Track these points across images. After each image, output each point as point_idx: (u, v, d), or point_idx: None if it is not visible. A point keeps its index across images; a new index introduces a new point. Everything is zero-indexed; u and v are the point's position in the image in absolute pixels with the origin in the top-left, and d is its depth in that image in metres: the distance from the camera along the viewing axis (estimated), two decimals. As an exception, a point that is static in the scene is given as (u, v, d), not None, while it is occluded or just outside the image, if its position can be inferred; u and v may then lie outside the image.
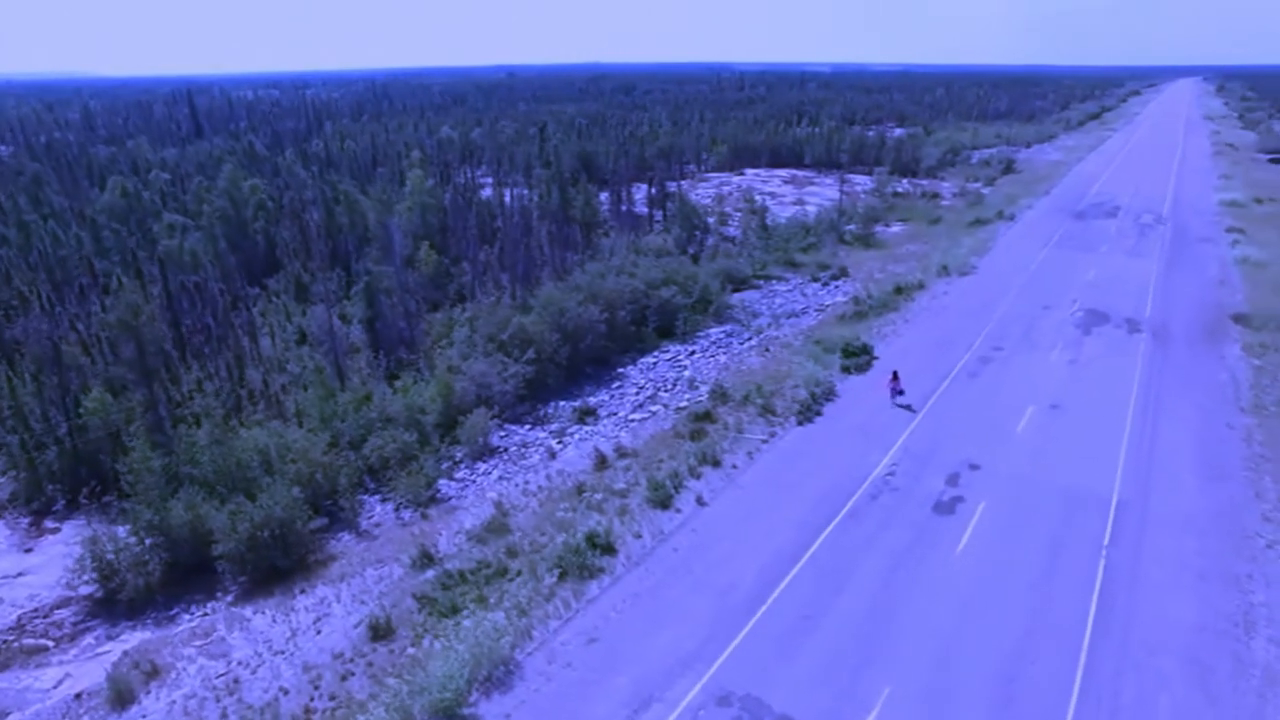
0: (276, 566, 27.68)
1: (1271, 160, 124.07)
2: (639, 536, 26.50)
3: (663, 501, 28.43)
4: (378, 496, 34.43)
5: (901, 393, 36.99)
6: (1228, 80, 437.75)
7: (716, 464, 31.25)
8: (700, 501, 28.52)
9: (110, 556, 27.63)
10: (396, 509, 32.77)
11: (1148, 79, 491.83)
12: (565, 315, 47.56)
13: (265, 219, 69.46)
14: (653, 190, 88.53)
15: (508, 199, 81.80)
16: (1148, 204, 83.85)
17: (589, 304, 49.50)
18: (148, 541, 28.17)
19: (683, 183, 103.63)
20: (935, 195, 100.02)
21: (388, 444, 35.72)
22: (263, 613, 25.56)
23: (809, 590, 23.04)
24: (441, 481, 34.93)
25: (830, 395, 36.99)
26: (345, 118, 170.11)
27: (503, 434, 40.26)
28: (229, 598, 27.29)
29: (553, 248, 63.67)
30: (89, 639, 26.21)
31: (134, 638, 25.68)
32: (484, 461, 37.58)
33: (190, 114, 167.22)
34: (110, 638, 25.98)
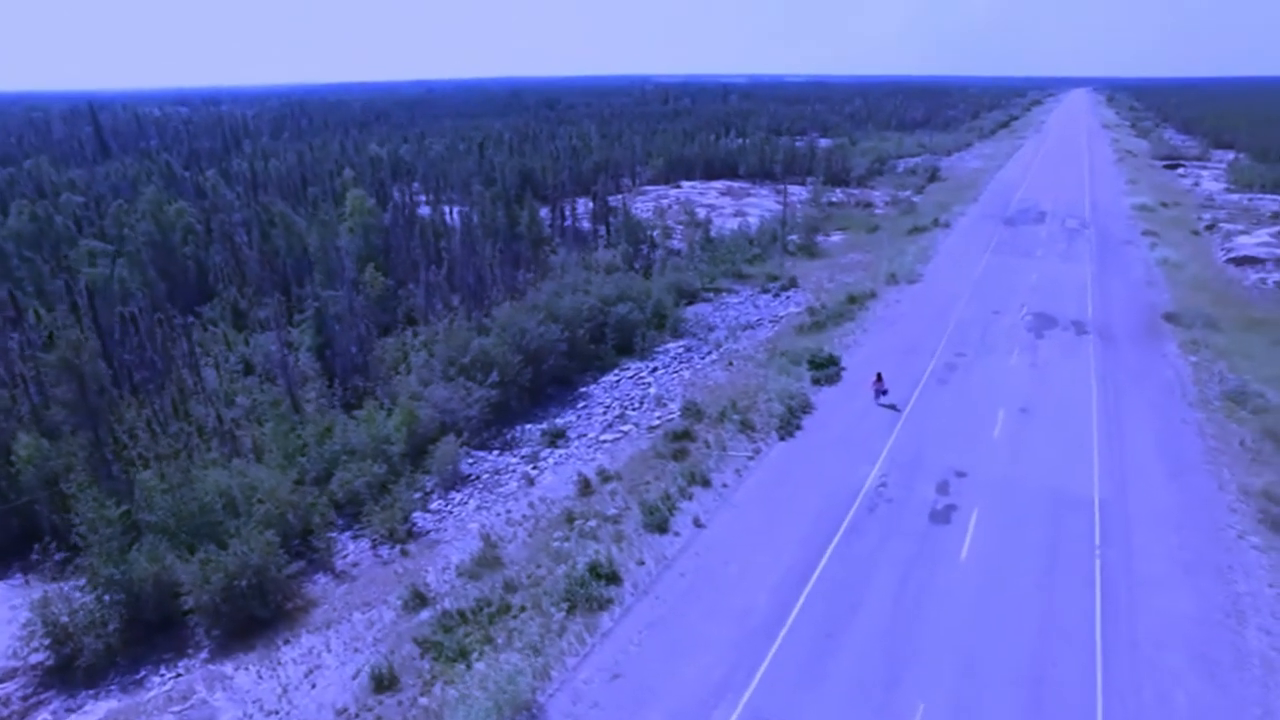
0: (254, 616, 25.90)
1: (1167, 166, 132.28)
2: (641, 563, 25.85)
3: (659, 525, 27.86)
4: (349, 533, 32.79)
5: (885, 393, 37.86)
6: (1115, 91, 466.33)
7: (706, 483, 30.86)
8: (698, 523, 28.06)
9: (65, 619, 25.34)
10: (373, 545, 31.21)
11: (1045, 89, 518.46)
12: (526, 336, 46.60)
13: (195, 244, 65.99)
14: (594, 205, 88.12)
15: (451, 217, 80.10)
16: (1070, 209, 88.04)
17: (549, 323, 48.68)
18: (106, 599, 25.98)
19: (621, 196, 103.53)
20: (868, 204, 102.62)
21: (356, 477, 34.08)
22: (245, 668, 23.83)
23: (825, 608, 22.85)
24: (416, 514, 33.54)
25: (806, 408, 37.13)
26: (265, 136, 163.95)
27: (471, 461, 39.02)
28: (203, 654, 25.35)
29: (502, 267, 62.42)
30: (44, 715, 23.88)
31: (98, 708, 23.55)
32: (457, 491, 36.27)
33: (95, 132, 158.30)
34: (71, 710, 23.72)
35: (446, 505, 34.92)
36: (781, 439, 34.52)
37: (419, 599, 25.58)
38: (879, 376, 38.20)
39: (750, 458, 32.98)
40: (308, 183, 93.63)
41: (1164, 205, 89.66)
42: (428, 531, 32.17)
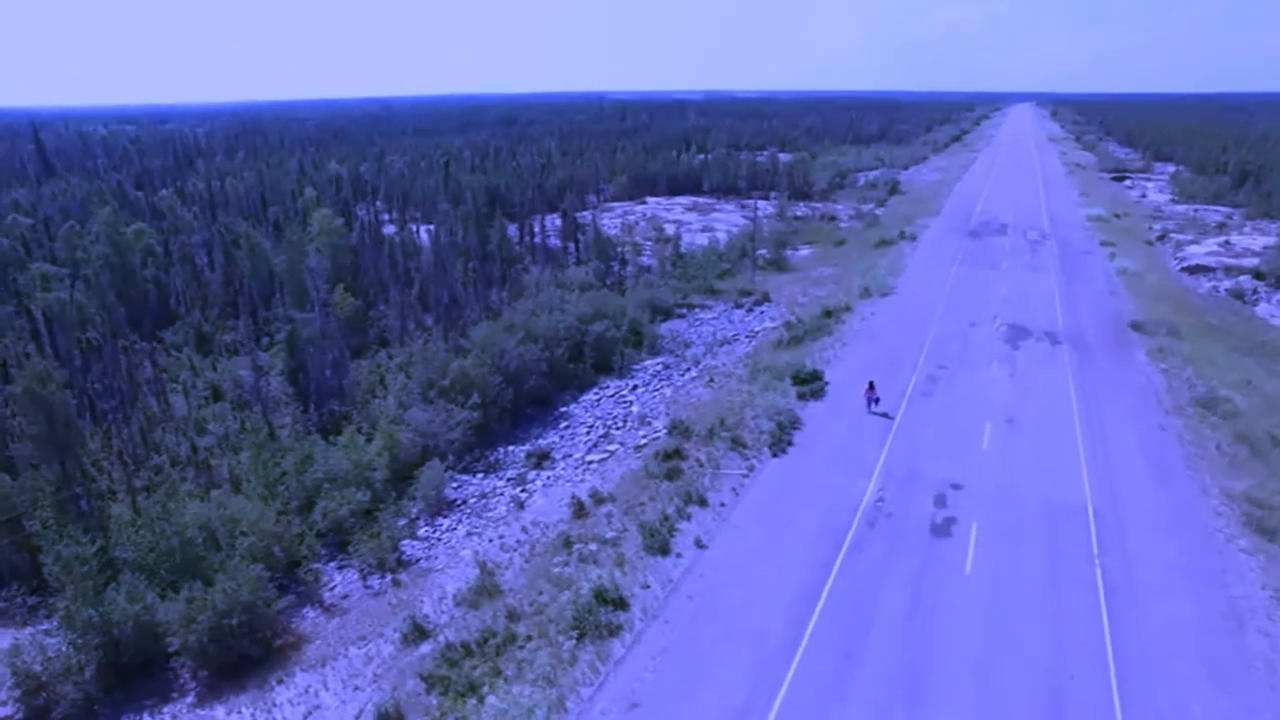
0: (244, 656, 24.81)
1: (1114, 178, 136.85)
2: (647, 587, 25.41)
3: (661, 547, 27.45)
4: (334, 564, 31.80)
5: (877, 400, 38.45)
6: (1058, 105, 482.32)
7: (704, 503, 30.56)
8: (700, 544, 27.72)
9: (37, 668, 23.93)
10: (362, 576, 30.27)
11: (992, 104, 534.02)
12: (506, 356, 46.01)
13: (155, 266, 63.96)
14: (561, 222, 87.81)
15: (420, 236, 79.04)
16: (1029, 221, 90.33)
17: (528, 343, 48.16)
18: (82, 642, 24.64)
19: (587, 213, 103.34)
20: (833, 218, 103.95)
21: (340, 505, 33.10)
22: (238, 712, 22.80)
23: (839, 628, 22.68)
24: (404, 542, 32.67)
25: (796, 424, 37.11)
26: (219, 155, 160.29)
27: (455, 485, 38.24)
28: (189, 698, 24.20)
29: (476, 286, 61.69)
30: (20, 770, 22.58)
31: (80, 761, 22.32)
32: (444, 517, 35.46)
33: (37, 151, 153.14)
34: (49, 766, 22.46)
35: (435, 532, 34.09)
36: (774, 455, 34.42)
37: (418, 631, 24.79)
38: (871, 385, 38.71)
39: (744, 475, 32.80)
40: (268, 202, 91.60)
41: (1116, 216, 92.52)
42: (418, 560, 31.34)
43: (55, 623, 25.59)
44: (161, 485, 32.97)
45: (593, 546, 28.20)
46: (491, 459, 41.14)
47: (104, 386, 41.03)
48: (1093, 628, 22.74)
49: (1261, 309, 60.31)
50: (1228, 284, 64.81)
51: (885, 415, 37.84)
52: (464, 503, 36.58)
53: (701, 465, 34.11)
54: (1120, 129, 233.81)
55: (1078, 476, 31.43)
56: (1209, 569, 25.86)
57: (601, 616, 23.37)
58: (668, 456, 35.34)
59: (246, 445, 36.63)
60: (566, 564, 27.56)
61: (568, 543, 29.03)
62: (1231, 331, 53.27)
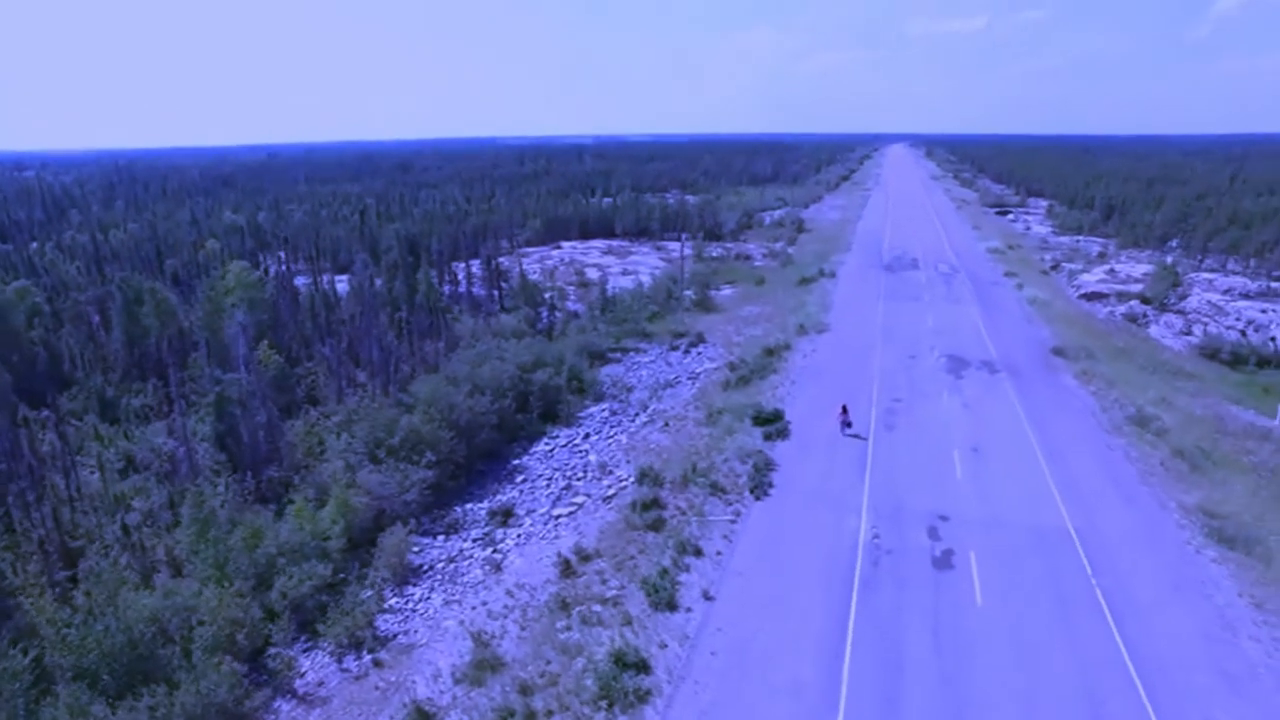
0: (220, 765, 22.08)
1: (998, 212, 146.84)
2: (664, 646, 24.29)
3: (668, 602, 26.42)
4: (298, 646, 29.03)
5: (850, 424, 39.87)
6: (931, 145, 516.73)
7: (699, 553, 29.75)
8: (707, 596, 26.84)
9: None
10: (336, 658, 27.73)
11: (870, 144, 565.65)
12: (456, 409, 44.24)
13: (44, 327, 58.33)
14: (483, 269, 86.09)
15: (330, 287, 75.57)
16: (936, 254, 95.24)
17: (477, 395, 46.51)
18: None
19: (504, 259, 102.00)
20: (747, 257, 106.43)
21: (301, 581, 30.44)
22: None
23: (874, 671, 22.31)
24: (376, 616, 30.27)
25: (770, 465, 36.91)
26: (95, 205, 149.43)
27: (417, 550, 35.98)
28: (159, 821, 21.21)
29: (410, 338, 59.24)
30: None
31: None
32: (413, 585, 33.16)
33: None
34: None
35: (407, 602, 31.75)
36: (757, 499, 34.06)
37: (424, 718, 22.73)
38: (844, 409, 40.41)
39: (732, 521, 32.25)
40: (163, 255, 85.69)
41: (1010, 248, 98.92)
42: (395, 635, 29.00)
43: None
44: (94, 576, 29.34)
45: (597, 607, 26.84)
46: (450, 519, 39.07)
47: (6, 467, 36.56)
48: (1109, 648, 23.30)
49: (1153, 330, 65.30)
50: (1121, 309, 69.98)
51: (858, 437, 39.33)
52: (431, 568, 34.40)
53: (685, 513, 33.35)
54: (992, 167, 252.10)
55: (1051, 499, 32.57)
56: (1191, 581, 27.10)
57: (626, 682, 22.09)
58: (647, 506, 34.37)
59: (186, 521, 33.23)
60: (569, 628, 26.09)
61: (565, 605, 27.54)
62: (1136, 353, 57.31)
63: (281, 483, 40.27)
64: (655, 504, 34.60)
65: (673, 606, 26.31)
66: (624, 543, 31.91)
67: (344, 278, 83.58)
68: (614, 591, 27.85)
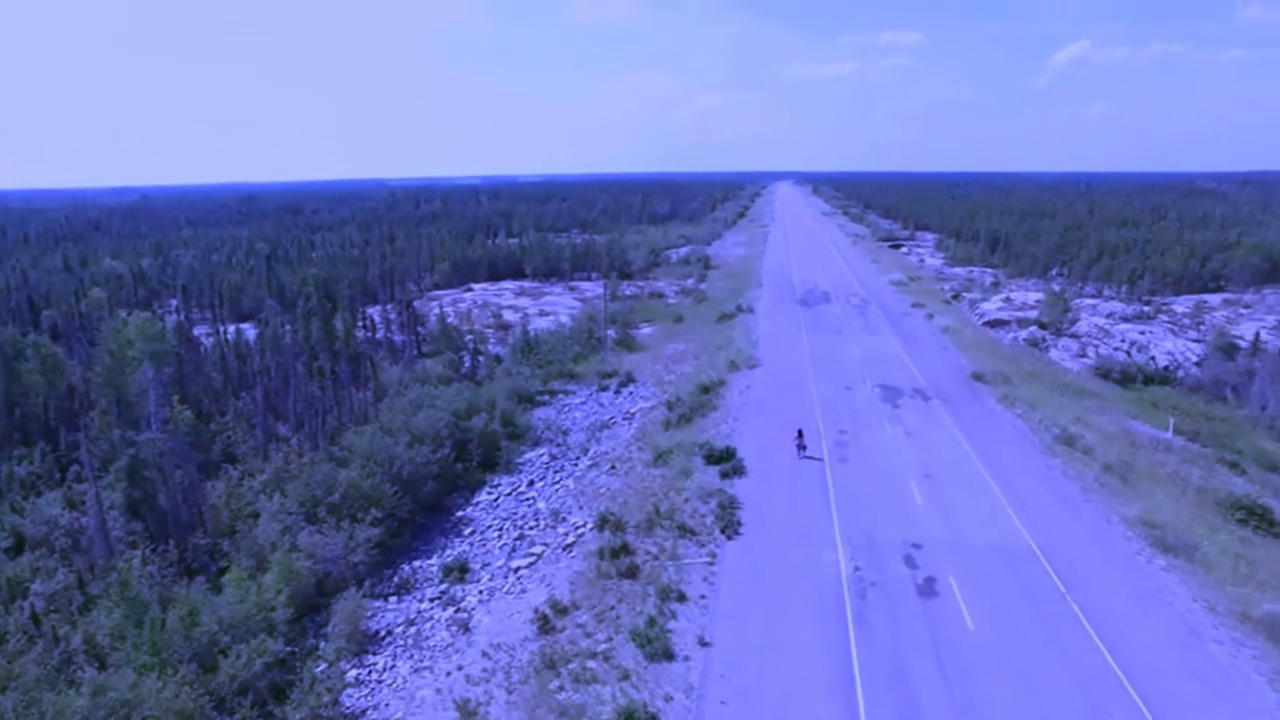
0: None
1: (891, 246, 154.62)
2: (670, 699, 23.34)
3: (664, 653, 25.48)
4: (252, 735, 26.34)
5: (804, 448, 41.81)
6: (816, 183, 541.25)
7: (682, 598, 28.95)
8: (703, 642, 26.06)
9: None
10: (303, 745, 25.29)
11: (757, 182, 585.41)
12: (397, 462, 42.19)
13: (-95, 392, 51.93)
14: (398, 313, 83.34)
15: (232, 336, 71.06)
16: (845, 288, 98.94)
17: (417, 445, 44.51)
18: None
19: (415, 303, 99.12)
20: (660, 295, 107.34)
21: (252, 659, 27.77)
22: None
23: (890, 706, 22.16)
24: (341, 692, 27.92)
25: (734, 504, 36.59)
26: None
27: (369, 614, 33.64)
28: None
29: (334, 387, 56.15)
30: None
31: None
32: (374, 654, 30.88)
33: None
34: None
35: (369, 673, 29.48)
36: (729, 538, 33.60)
37: (422, 803, 20.87)
38: (800, 433, 42.26)
39: (709, 563, 31.66)
40: (37, 306, 78.54)
41: (912, 280, 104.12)
42: (365, 711, 26.81)
43: None
44: (8, 677, 25.76)
45: (590, 663, 25.60)
46: (399, 579, 36.84)
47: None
48: (1099, 661, 24.17)
49: (1054, 354, 69.85)
50: (1023, 334, 74.58)
51: (813, 458, 41.44)
52: (389, 633, 32.15)
53: (658, 558, 32.53)
54: (878, 203, 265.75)
55: (1009, 520, 33.79)
56: (1150, 590, 28.54)
57: (639, 742, 21.05)
58: (616, 553, 33.28)
59: (113, 602, 29.80)
60: (563, 688, 24.74)
61: (552, 663, 26.14)
62: (1044, 375, 61.01)
63: (208, 551, 37.03)
64: (624, 550, 33.58)
65: (669, 656, 25.44)
66: (599, 592, 30.78)
67: (247, 325, 78.94)
68: (603, 645, 26.68)
